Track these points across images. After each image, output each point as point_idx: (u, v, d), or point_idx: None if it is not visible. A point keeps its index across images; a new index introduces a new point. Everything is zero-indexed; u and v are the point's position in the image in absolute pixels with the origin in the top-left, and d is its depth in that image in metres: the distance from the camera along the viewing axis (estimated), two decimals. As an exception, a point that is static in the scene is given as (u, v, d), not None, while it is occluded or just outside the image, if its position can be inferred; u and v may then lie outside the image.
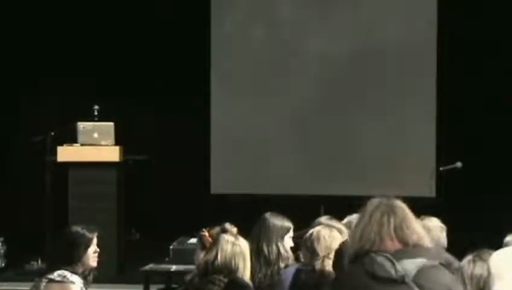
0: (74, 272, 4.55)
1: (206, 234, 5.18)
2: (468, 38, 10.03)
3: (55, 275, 4.52)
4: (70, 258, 4.59)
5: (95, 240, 4.73)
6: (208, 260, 4.49)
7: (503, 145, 9.97)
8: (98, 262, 4.71)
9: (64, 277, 4.51)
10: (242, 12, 10.81)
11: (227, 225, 5.27)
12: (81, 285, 4.55)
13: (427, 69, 10.21)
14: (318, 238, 4.63)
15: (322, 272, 4.52)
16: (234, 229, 5.24)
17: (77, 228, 4.75)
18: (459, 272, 3.55)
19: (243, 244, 4.55)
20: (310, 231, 4.73)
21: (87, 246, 4.67)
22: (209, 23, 10.66)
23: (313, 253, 4.62)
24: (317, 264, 4.56)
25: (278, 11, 10.73)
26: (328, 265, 4.51)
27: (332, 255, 4.50)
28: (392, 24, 10.36)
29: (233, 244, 4.51)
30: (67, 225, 5.14)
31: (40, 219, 9.47)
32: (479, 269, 3.54)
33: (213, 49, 10.67)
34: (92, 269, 4.69)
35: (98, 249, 4.72)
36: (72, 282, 4.49)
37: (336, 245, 4.57)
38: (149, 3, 10.68)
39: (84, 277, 4.63)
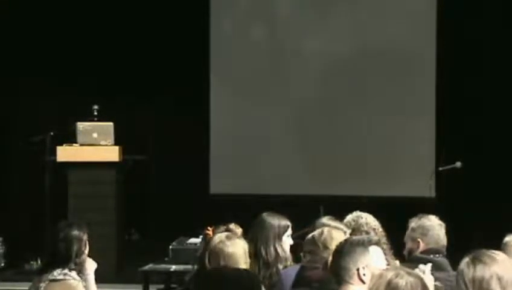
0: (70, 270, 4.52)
1: (211, 232, 5.17)
2: (468, 38, 10.02)
3: (55, 274, 4.50)
4: (65, 257, 4.53)
5: (85, 237, 4.64)
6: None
7: (503, 145, 9.96)
8: (97, 262, 4.67)
9: (65, 274, 4.49)
10: (242, 13, 10.80)
11: (232, 225, 5.25)
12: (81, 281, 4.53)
13: (427, 69, 10.21)
14: (331, 238, 4.57)
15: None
16: (239, 230, 5.21)
17: (68, 228, 4.64)
18: (459, 275, 3.52)
19: (237, 244, 4.50)
20: (319, 230, 4.64)
21: (80, 246, 4.59)
22: (208, 23, 10.66)
23: (325, 251, 4.55)
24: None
25: (278, 11, 10.73)
26: None
27: None
28: (392, 24, 10.35)
29: (224, 244, 4.48)
30: (59, 223, 4.94)
31: (40, 219, 9.46)
32: (480, 272, 3.51)
33: (213, 49, 10.66)
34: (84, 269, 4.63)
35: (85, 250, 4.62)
36: (74, 278, 4.47)
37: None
38: (149, 3, 10.67)
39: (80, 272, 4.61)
